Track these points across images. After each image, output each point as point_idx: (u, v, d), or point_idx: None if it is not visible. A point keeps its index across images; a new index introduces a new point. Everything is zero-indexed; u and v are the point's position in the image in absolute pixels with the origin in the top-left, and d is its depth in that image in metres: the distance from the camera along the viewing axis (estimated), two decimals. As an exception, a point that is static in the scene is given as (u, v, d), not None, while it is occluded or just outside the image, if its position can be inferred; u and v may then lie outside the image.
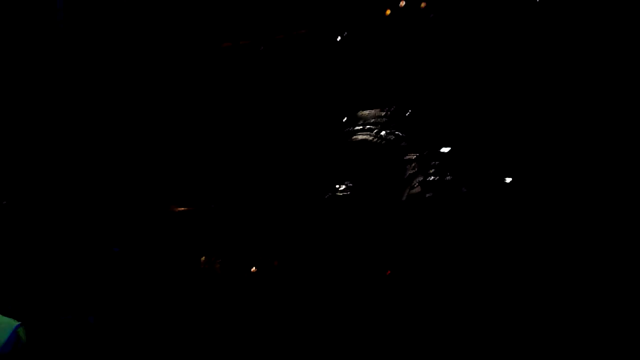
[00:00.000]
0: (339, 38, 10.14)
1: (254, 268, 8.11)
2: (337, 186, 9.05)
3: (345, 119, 9.61)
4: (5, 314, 4.00)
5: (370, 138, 9.32)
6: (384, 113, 9.49)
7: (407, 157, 9.04)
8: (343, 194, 8.94)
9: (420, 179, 8.65)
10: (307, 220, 8.71)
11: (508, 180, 7.96)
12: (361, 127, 9.43)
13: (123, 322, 6.87)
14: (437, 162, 8.78)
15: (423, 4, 9.57)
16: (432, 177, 8.57)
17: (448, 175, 8.54)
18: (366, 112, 9.57)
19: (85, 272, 7.34)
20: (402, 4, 9.73)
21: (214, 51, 10.57)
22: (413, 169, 8.86)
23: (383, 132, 9.40)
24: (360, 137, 9.32)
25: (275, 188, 9.76)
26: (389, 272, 7.17)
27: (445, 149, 8.81)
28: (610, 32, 7.79)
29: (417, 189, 8.56)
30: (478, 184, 8.23)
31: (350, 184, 9.03)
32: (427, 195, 8.40)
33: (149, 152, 9.67)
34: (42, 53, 8.15)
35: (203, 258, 8.47)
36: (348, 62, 9.97)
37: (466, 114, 8.86)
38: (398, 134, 9.28)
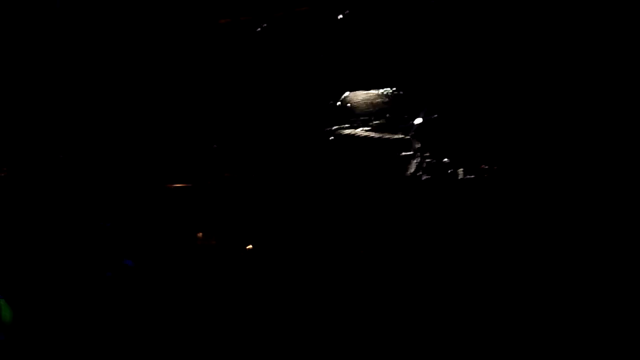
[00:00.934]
0: (340, 16, 10.04)
1: (249, 245, 8.07)
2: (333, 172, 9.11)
3: (343, 103, 9.65)
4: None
5: (367, 129, 9.42)
6: (384, 98, 9.47)
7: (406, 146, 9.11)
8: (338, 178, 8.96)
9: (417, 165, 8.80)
10: (302, 199, 8.69)
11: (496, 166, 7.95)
12: (361, 114, 9.56)
13: (115, 301, 6.81)
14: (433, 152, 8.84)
15: None
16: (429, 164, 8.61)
17: (445, 163, 8.57)
18: (362, 96, 9.55)
19: (76, 246, 7.19)
20: None
21: (212, 27, 10.49)
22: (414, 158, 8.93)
23: (381, 120, 9.43)
24: (357, 128, 9.39)
25: (272, 167, 9.75)
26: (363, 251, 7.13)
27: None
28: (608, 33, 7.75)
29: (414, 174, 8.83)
30: (475, 172, 8.21)
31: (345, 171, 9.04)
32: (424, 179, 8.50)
33: (144, 129, 9.66)
34: (40, 34, 8.08)
35: (200, 234, 8.42)
36: (349, 42, 10.03)
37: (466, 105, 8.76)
38: (397, 119, 9.33)
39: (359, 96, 9.73)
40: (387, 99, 9.56)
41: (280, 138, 10.02)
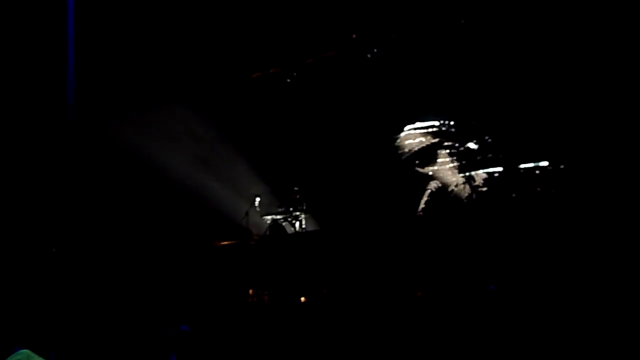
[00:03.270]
0: (368, 55, 10.03)
1: (303, 298, 8.00)
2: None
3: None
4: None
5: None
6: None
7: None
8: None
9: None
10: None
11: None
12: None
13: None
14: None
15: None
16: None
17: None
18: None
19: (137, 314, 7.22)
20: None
21: (245, 82, 10.60)
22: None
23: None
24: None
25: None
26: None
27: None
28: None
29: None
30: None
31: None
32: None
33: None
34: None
35: (251, 291, 8.40)
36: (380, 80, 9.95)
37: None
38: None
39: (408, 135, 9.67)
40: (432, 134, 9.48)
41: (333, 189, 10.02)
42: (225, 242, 9.28)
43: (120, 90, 9.42)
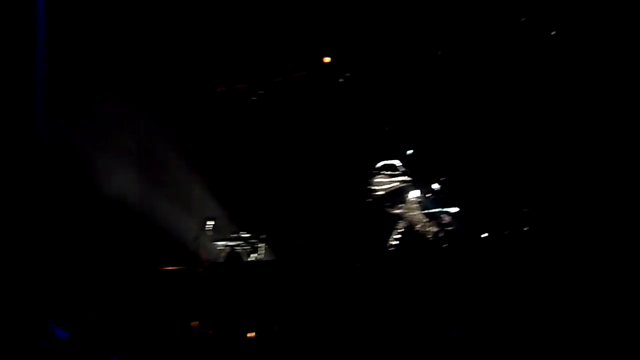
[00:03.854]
0: (340, 80, 9.61)
1: (250, 334, 7.25)
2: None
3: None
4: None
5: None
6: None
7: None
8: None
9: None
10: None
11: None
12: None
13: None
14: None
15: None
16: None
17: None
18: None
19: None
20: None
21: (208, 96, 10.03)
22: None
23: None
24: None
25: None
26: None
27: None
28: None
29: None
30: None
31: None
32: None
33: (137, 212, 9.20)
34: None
35: (196, 323, 7.62)
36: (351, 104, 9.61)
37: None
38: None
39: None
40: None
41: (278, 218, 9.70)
42: (170, 268, 8.47)
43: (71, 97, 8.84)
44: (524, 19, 8.53)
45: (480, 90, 8.74)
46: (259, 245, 9.45)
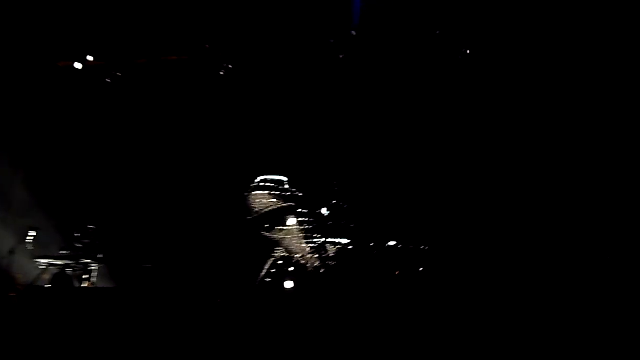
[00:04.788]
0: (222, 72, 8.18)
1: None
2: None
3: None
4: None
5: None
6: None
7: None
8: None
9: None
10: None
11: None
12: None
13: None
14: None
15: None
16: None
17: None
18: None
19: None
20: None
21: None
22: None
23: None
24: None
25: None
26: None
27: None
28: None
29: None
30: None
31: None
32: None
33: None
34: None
35: None
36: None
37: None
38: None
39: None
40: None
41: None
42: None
43: None
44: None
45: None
46: (93, 267, 8.01)
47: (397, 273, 7.73)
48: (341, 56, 7.96)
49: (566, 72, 7.74)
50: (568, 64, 7.73)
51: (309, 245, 7.97)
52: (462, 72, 8.04)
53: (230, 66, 8.01)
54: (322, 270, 7.83)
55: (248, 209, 7.78)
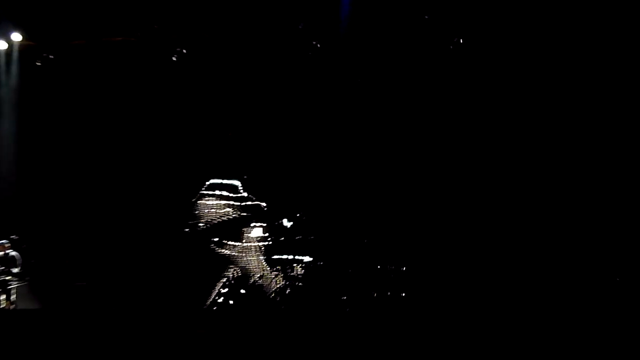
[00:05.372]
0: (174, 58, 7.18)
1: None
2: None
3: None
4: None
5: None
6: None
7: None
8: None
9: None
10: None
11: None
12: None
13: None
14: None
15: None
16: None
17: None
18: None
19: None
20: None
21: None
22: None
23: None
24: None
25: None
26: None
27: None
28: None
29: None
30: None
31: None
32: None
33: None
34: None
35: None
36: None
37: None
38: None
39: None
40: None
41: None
42: None
43: None
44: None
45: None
46: (11, 283, 7.16)
47: (375, 295, 6.79)
48: (315, 43, 6.95)
49: (562, 68, 7.11)
50: (564, 60, 7.10)
51: (270, 263, 7.03)
52: (453, 68, 7.32)
53: (184, 50, 6.94)
54: (286, 293, 6.92)
55: (194, 219, 6.85)
